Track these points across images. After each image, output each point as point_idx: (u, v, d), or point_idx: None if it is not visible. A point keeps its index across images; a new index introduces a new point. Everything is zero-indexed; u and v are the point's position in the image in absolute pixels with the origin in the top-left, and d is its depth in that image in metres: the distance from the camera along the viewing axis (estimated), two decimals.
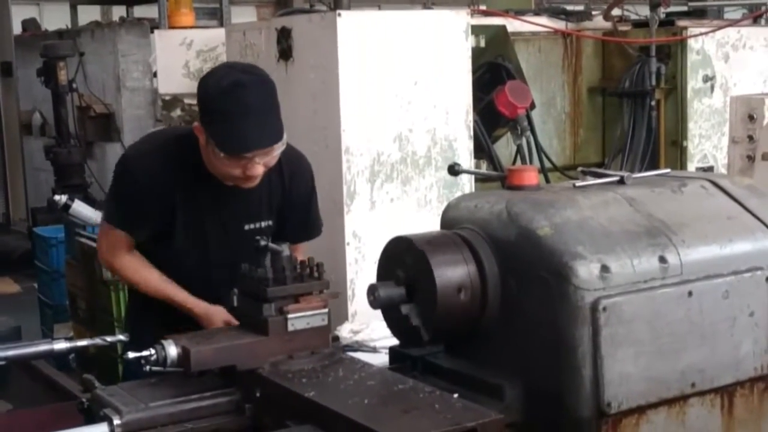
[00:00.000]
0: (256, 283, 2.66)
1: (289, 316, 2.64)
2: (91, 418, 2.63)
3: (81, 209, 6.74)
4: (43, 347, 2.98)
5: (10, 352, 2.98)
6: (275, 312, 2.64)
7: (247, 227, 3.28)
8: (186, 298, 3.28)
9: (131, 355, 2.60)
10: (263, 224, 3.30)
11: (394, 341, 2.80)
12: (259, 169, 3.08)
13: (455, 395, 2.41)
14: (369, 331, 3.87)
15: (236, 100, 2.98)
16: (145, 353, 2.59)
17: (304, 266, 2.69)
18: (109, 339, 3.11)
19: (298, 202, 3.38)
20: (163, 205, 3.20)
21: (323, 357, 2.67)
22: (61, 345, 2.95)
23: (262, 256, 2.68)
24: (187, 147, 3.16)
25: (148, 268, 3.33)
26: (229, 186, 3.17)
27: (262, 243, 2.67)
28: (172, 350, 2.60)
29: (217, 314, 3.21)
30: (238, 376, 2.62)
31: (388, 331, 2.76)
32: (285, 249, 2.68)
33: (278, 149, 3.08)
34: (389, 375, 2.59)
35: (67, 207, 6.74)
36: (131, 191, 3.22)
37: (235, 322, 3.13)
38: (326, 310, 2.70)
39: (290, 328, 2.64)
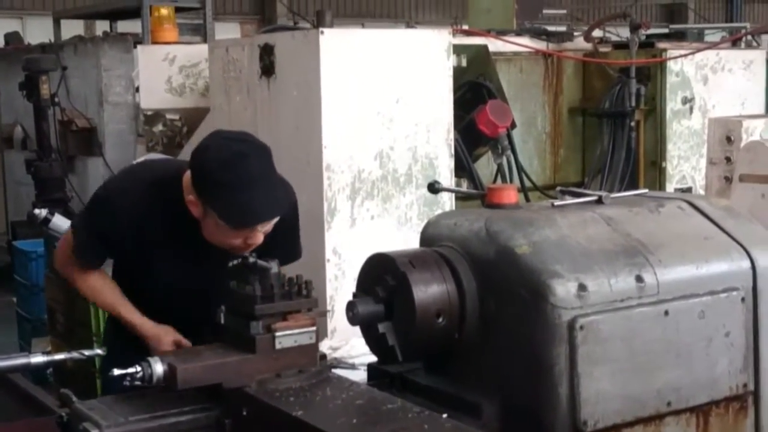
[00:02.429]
0: (243, 301, 2.64)
1: (277, 334, 2.62)
2: None
3: (61, 223, 6.70)
4: (20, 360, 2.96)
5: None
6: (263, 330, 2.62)
7: (232, 263, 3.26)
8: (133, 317, 3.24)
9: (117, 372, 2.57)
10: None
11: (373, 358, 2.81)
12: (260, 238, 3.04)
13: (444, 415, 2.41)
14: (348, 348, 3.87)
15: (240, 171, 2.91)
16: (131, 370, 2.57)
17: (292, 284, 2.67)
18: (86, 353, 3.09)
19: (281, 232, 3.32)
20: (140, 243, 3.17)
21: (311, 375, 2.65)
22: (38, 359, 2.93)
23: (251, 273, 2.67)
24: (172, 186, 3.12)
25: (99, 277, 3.31)
26: None
27: (251, 260, 2.66)
28: (159, 368, 2.57)
29: (166, 334, 3.18)
30: (224, 393, 2.60)
31: (367, 348, 2.77)
32: (273, 266, 2.67)
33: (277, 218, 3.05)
34: (378, 394, 2.57)
35: (47, 221, 6.71)
36: (106, 226, 3.19)
37: (185, 342, 3.13)
38: (314, 328, 2.68)
39: (278, 346, 2.62)
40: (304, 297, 2.68)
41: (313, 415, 2.41)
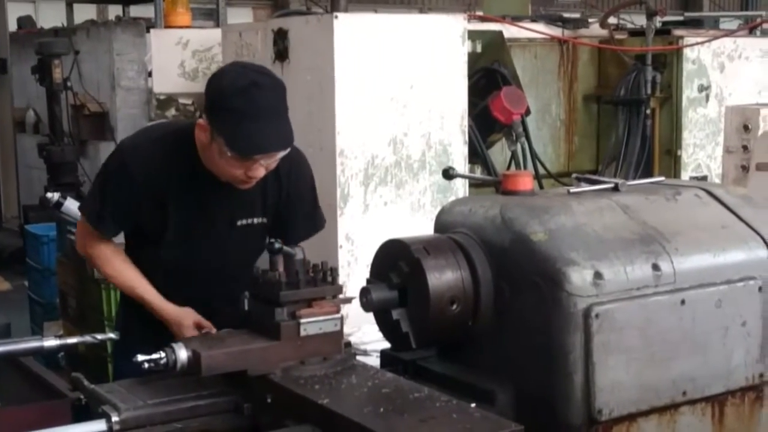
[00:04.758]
0: (268, 287, 2.61)
1: (302, 320, 2.59)
2: (83, 417, 2.61)
3: (73, 207, 6.70)
4: (34, 344, 2.97)
5: (0, 348, 2.97)
6: (288, 316, 2.59)
7: (239, 222, 3.26)
8: (155, 299, 3.21)
9: (141, 357, 2.55)
10: (256, 221, 3.28)
11: (385, 344, 2.79)
12: (261, 171, 3.04)
13: (473, 405, 2.38)
14: (360, 335, 3.86)
15: (251, 101, 2.92)
16: (155, 356, 2.54)
17: (317, 270, 2.65)
18: (99, 336, 3.09)
19: (302, 199, 3.34)
20: (154, 201, 3.16)
21: (336, 363, 2.62)
22: (51, 342, 2.94)
23: (276, 259, 2.63)
24: (183, 142, 3.13)
25: (122, 260, 3.29)
26: (223, 182, 3.15)
27: (276, 246, 2.62)
28: (183, 354, 2.55)
29: (187, 317, 3.16)
30: (248, 380, 2.58)
31: (379, 335, 2.75)
32: (299, 252, 2.64)
33: (282, 153, 3.05)
34: (404, 383, 2.53)
35: (59, 204, 6.70)
36: (124, 187, 3.17)
37: (206, 323, 3.12)
38: (339, 315, 2.66)
39: (303, 333, 2.59)
40: (329, 284, 2.65)
41: (339, 403, 2.38)
